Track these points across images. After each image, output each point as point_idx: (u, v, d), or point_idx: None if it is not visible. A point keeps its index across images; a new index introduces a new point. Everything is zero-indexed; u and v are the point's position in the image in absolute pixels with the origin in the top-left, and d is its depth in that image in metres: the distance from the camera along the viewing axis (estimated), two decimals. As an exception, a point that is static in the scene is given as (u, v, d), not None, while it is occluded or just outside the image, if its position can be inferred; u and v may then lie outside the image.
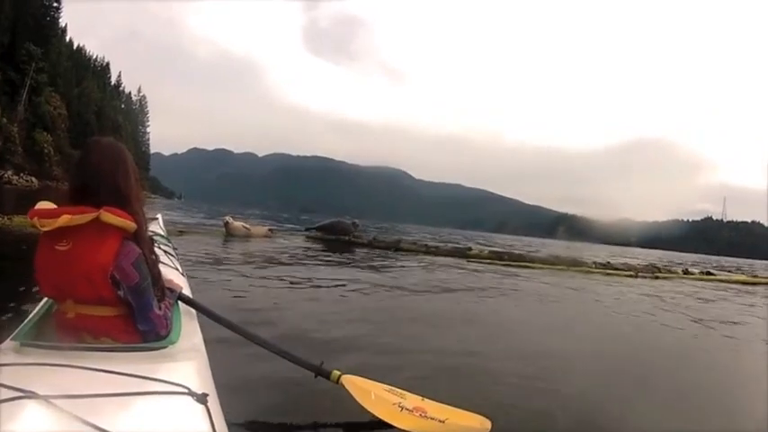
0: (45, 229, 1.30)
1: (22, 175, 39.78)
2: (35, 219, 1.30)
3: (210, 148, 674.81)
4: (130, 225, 1.36)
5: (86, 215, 1.30)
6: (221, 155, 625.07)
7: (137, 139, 69.02)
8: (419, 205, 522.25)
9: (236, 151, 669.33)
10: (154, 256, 1.57)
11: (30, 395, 0.95)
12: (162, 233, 3.67)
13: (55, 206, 1.37)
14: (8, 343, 1.29)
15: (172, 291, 1.76)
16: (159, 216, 4.74)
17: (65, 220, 1.28)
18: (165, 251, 2.73)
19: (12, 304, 3.21)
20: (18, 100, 41.87)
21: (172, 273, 2.31)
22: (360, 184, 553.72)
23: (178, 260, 2.91)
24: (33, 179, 40.48)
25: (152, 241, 1.66)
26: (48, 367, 1.13)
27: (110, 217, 1.32)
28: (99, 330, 1.36)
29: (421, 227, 76.69)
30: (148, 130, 79.06)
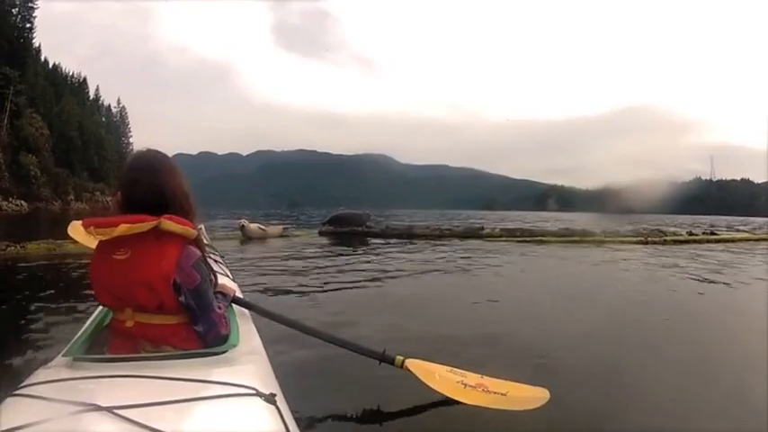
0: (102, 238, 1.28)
1: (11, 199, 39.37)
2: (91, 228, 1.28)
3: (194, 152, 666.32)
4: (191, 232, 1.37)
5: (146, 223, 1.28)
6: (205, 158, 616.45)
7: (120, 152, 67.23)
8: (407, 189, 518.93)
9: (219, 153, 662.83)
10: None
11: (92, 408, 0.91)
12: (206, 241, 3.72)
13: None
14: (60, 359, 1.26)
15: (225, 295, 1.80)
16: (202, 226, 4.86)
17: (123, 229, 1.25)
18: (214, 259, 2.80)
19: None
20: (-1, 125, 41.15)
21: (223, 278, 2.33)
22: (346, 173, 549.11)
23: (226, 266, 2.98)
24: (23, 203, 40.25)
25: None
26: (106, 379, 1.09)
27: (170, 224, 1.31)
28: (159, 339, 1.34)
29: (412, 210, 76.45)
30: (131, 140, 77.44)
